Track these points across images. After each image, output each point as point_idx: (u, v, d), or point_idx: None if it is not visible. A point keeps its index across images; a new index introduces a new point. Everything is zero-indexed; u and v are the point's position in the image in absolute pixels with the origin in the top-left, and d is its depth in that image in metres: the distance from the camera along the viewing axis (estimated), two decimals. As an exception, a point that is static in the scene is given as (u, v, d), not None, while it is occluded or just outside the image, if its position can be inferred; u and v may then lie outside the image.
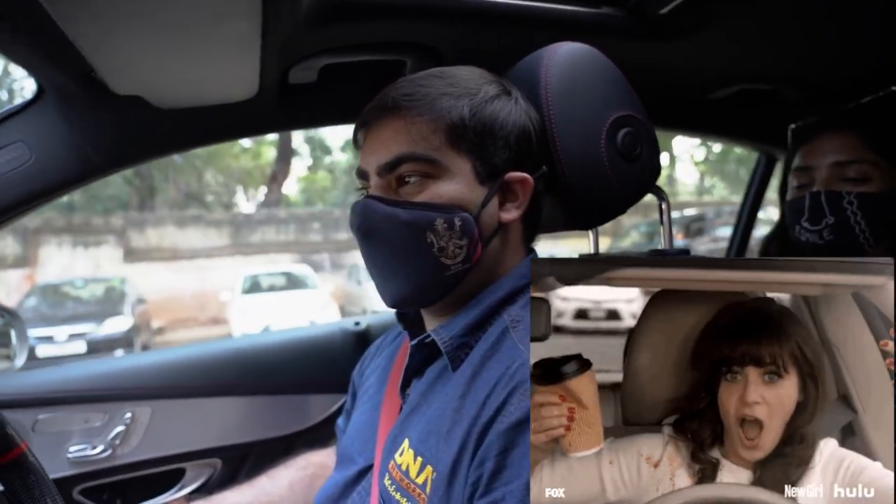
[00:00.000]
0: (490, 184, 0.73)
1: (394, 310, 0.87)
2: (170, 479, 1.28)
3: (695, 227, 10.95)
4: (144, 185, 16.46)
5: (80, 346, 8.52)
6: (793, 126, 1.18)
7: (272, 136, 19.81)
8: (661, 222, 0.94)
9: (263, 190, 19.35)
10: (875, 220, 1.00)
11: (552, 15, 1.02)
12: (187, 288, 13.04)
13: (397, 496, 0.69)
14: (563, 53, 0.83)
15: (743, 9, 0.99)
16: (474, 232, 0.72)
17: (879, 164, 1.01)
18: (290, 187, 21.02)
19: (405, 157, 0.71)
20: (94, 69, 0.82)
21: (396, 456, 0.72)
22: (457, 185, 0.72)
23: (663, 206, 0.93)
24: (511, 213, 0.75)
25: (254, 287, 11.30)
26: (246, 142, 19.63)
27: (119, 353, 8.41)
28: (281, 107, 1.05)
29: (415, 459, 0.69)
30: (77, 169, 0.99)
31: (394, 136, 0.72)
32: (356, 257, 14.80)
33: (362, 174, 0.76)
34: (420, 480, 0.67)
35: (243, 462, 1.32)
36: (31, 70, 0.87)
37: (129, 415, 1.23)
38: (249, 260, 13.76)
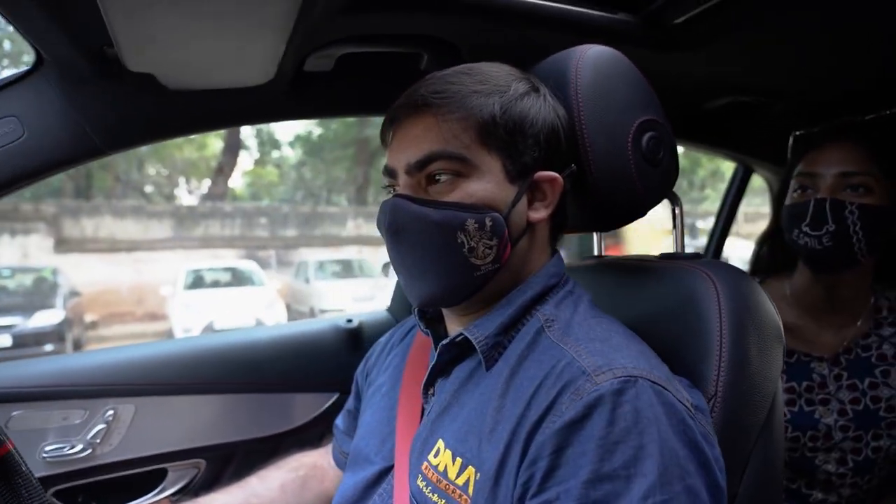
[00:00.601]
0: (520, 182, 0.73)
1: (415, 308, 0.85)
2: (150, 481, 1.22)
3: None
4: (80, 171, 15.65)
5: (5, 340, 7.99)
6: (796, 133, 1.23)
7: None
8: (674, 226, 0.96)
9: (208, 182, 18.77)
10: (872, 232, 1.05)
11: (569, 17, 1.03)
12: (124, 281, 12.52)
13: (434, 497, 0.68)
14: (593, 56, 0.83)
15: (752, 23, 1.03)
16: (504, 232, 0.71)
17: (880, 180, 1.07)
18: (236, 181, 20.47)
19: (436, 155, 0.70)
20: (109, 43, 0.77)
21: (430, 457, 0.71)
22: (487, 183, 0.71)
23: (676, 211, 0.95)
24: (540, 213, 0.75)
25: (197, 282, 10.95)
26: (190, 132, 18.98)
27: (48, 348, 7.96)
28: (293, 94, 1.02)
29: (453, 460, 0.68)
30: (73, 149, 0.93)
31: (424, 134, 0.71)
32: (304, 254, 14.74)
33: (390, 172, 0.75)
34: (461, 482, 0.66)
35: (228, 463, 1.26)
36: (36, 38, 0.81)
37: (111, 412, 1.16)
38: (192, 254, 13.32)
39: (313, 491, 1.07)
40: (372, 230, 16.28)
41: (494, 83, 0.73)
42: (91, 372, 1.16)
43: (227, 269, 11.64)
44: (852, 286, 1.14)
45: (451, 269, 0.71)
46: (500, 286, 0.74)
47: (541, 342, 0.70)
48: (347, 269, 12.99)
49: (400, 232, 0.72)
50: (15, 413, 1.09)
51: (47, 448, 1.11)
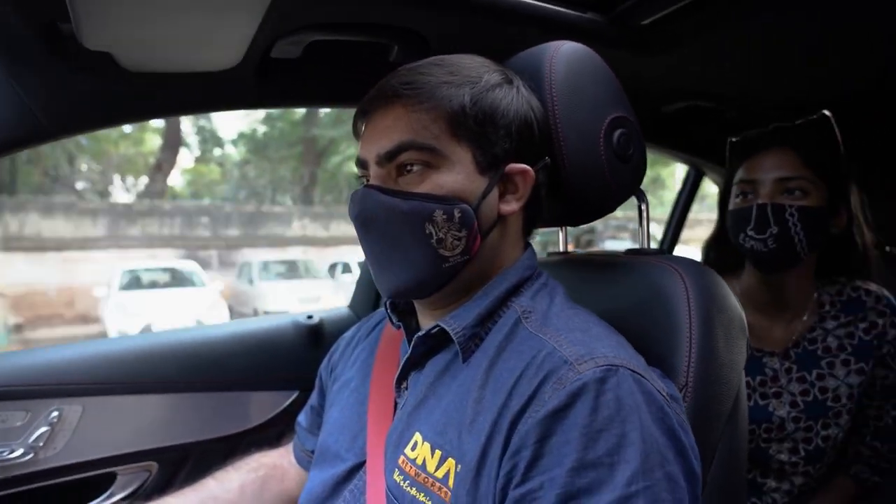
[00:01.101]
0: (490, 174, 0.73)
1: (388, 300, 0.84)
2: (97, 486, 1.14)
3: (585, 238, 11.62)
4: (3, 165, 14.75)
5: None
6: (732, 140, 1.28)
7: (156, 123, 18.56)
8: (640, 223, 0.98)
9: (145, 180, 18.06)
10: (811, 232, 1.12)
11: (539, 13, 1.04)
12: (52, 282, 11.88)
13: (412, 491, 0.66)
14: (566, 52, 0.84)
15: (717, 27, 1.07)
16: (474, 224, 0.71)
17: (815, 182, 1.13)
18: (176, 179, 19.76)
19: (405, 145, 0.70)
20: (64, 17, 0.72)
21: (407, 450, 0.69)
22: (457, 175, 0.71)
23: (643, 208, 0.97)
24: (511, 205, 0.75)
25: (133, 283, 10.51)
26: (126, 126, 18.23)
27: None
28: (258, 82, 0.99)
29: (432, 453, 0.67)
30: (18, 132, 0.87)
31: (394, 125, 0.71)
32: (247, 255, 14.39)
33: (362, 163, 0.75)
34: (440, 474, 0.65)
35: (182, 465, 1.20)
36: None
37: (55, 413, 1.08)
38: (128, 254, 12.77)
39: (273, 492, 1.03)
40: (318, 231, 16.06)
41: (465, 74, 0.73)
42: (34, 370, 1.08)
43: (165, 270, 11.23)
44: (796, 283, 1.20)
45: (420, 260, 0.71)
46: (470, 278, 0.74)
47: (519, 333, 0.70)
48: (293, 270, 12.76)
49: (369, 222, 0.72)
50: (-52, 415, 1.01)
51: None
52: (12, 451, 1.05)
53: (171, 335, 1.28)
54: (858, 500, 1.21)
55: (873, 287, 1.20)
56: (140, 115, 0.96)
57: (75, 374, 1.11)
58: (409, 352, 0.75)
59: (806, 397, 1.17)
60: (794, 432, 1.17)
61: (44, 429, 1.07)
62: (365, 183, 0.74)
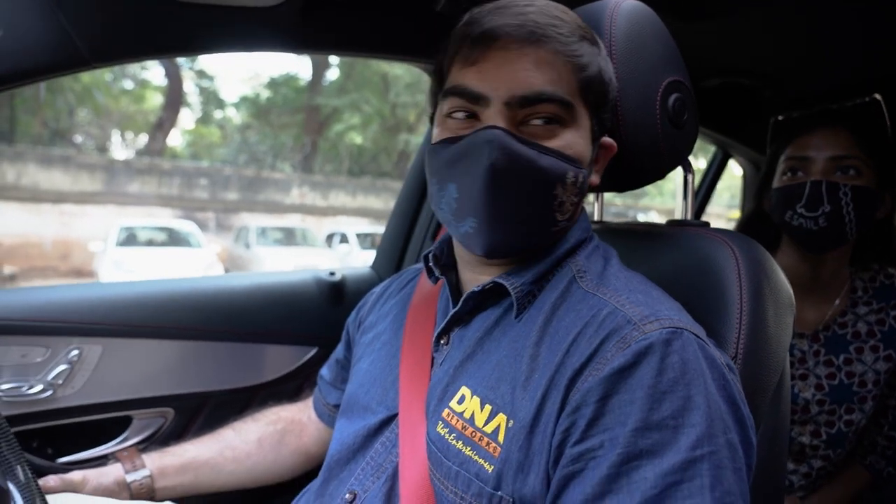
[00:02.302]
0: (595, 144, 0.72)
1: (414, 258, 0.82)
2: (112, 429, 1.13)
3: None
4: (2, 114, 14.56)
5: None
6: (777, 118, 1.26)
7: (159, 81, 18.33)
8: (685, 195, 0.96)
9: (144, 138, 17.88)
10: (862, 212, 1.10)
11: None
12: (48, 234, 11.82)
13: (458, 444, 0.65)
14: (627, 9, 0.81)
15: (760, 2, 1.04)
16: (585, 190, 0.71)
17: (868, 163, 1.12)
18: (175, 139, 19.58)
19: (547, 96, 0.65)
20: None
21: (453, 404, 0.68)
22: (580, 138, 0.69)
23: (688, 178, 0.95)
24: (594, 177, 0.75)
25: (130, 240, 10.46)
26: (128, 83, 18.01)
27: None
28: (302, 23, 0.95)
29: (482, 407, 0.65)
30: (56, 57, 0.83)
31: (536, 68, 0.65)
32: (245, 219, 14.34)
33: (476, 97, 0.65)
34: (489, 429, 0.64)
35: (197, 413, 1.19)
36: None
37: (75, 352, 1.06)
38: (125, 210, 12.69)
39: (291, 446, 1.03)
40: (316, 199, 15.99)
41: (591, 33, 0.70)
42: (56, 307, 1.06)
43: (163, 229, 11.18)
44: (834, 265, 1.19)
45: (537, 220, 0.68)
46: (555, 240, 0.73)
47: (574, 292, 0.68)
48: (290, 237, 12.73)
49: (502, 171, 0.63)
50: (-33, 348, 0.99)
51: (2, 386, 1.01)
52: (31, 387, 1.03)
53: (192, 282, 1.26)
54: (872, 490, 1.22)
55: None
56: (180, 48, 0.92)
57: (96, 314, 1.09)
58: (459, 307, 0.74)
59: (832, 381, 1.17)
60: (817, 415, 1.17)
61: (63, 367, 1.06)
62: (484, 126, 0.65)
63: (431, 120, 0.76)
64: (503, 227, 0.66)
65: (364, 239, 12.11)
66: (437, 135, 0.71)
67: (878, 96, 1.18)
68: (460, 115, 0.68)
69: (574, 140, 0.67)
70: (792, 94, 1.40)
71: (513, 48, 0.64)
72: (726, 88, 1.42)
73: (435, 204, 0.72)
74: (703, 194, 1.84)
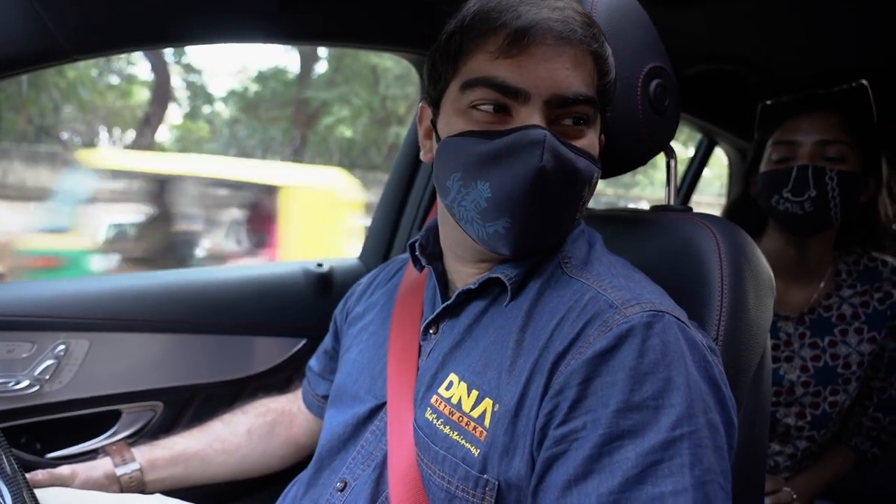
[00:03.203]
0: (599, 139, 0.73)
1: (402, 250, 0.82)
2: (102, 423, 1.13)
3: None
4: (-15, 111, 14.37)
5: None
6: (765, 103, 1.26)
7: (145, 76, 18.13)
8: (668, 181, 0.97)
9: (132, 134, 17.69)
10: (847, 197, 1.12)
11: None
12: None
13: (445, 429, 0.66)
14: None
15: None
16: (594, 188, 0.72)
17: (854, 147, 1.13)
18: (164, 134, 19.39)
19: (583, 98, 0.65)
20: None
21: (441, 390, 0.69)
22: (596, 137, 0.70)
23: (671, 164, 0.96)
24: None
25: (119, 237, 10.36)
26: (114, 78, 17.79)
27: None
28: (284, 14, 0.95)
29: (469, 393, 0.66)
30: (35, 49, 0.82)
31: (574, 67, 0.64)
32: (235, 214, 14.25)
33: (512, 91, 0.63)
34: (476, 414, 0.64)
35: (187, 406, 1.19)
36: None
37: (62, 347, 1.06)
38: (114, 207, 12.57)
39: (281, 437, 1.04)
40: (307, 194, 15.89)
41: (600, 34, 0.69)
42: (42, 302, 1.05)
43: (152, 225, 11.08)
44: (818, 250, 1.21)
45: (565, 221, 0.69)
46: None
47: (558, 278, 0.69)
48: (281, 232, 12.67)
49: (550, 174, 0.62)
50: (-49, 343, 0.98)
51: None
52: (18, 382, 1.03)
53: (179, 275, 1.26)
54: (857, 471, 1.24)
55: (890, 259, 1.20)
56: (163, 40, 0.91)
57: (83, 309, 1.08)
58: (451, 301, 0.74)
59: (817, 363, 1.18)
60: (802, 397, 1.18)
61: (50, 361, 1.05)
62: (536, 124, 0.63)
63: (433, 105, 0.73)
64: (537, 228, 0.66)
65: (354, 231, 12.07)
66: (455, 125, 0.67)
67: (864, 82, 1.19)
68: (488, 107, 0.65)
69: (593, 140, 0.68)
70: (778, 80, 1.41)
71: (551, 44, 0.63)
72: (712, 76, 1.43)
73: (455, 201, 0.68)
74: (689, 181, 1.85)
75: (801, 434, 1.20)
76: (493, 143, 0.63)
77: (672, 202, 0.96)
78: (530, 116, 0.63)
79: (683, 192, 1.89)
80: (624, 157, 0.85)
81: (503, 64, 0.63)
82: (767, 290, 0.80)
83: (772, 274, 0.82)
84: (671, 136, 0.91)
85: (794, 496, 1.16)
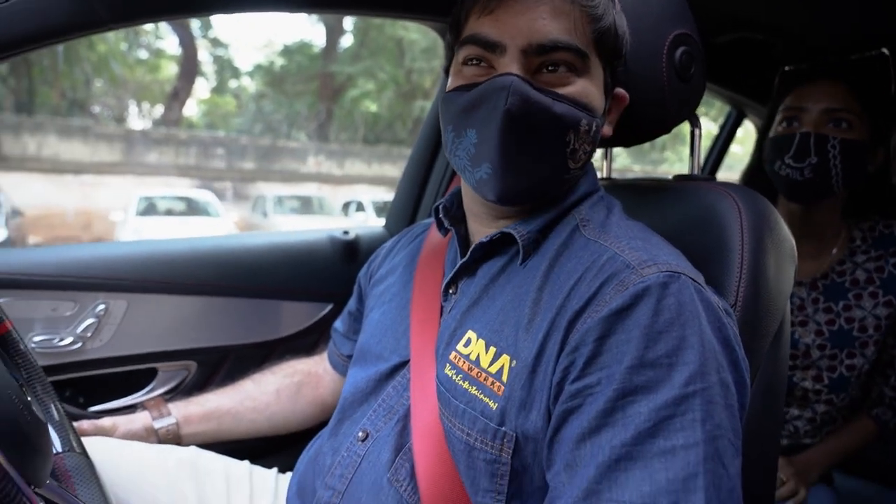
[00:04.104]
0: (608, 96, 0.74)
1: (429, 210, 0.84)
2: (139, 380, 1.19)
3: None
4: (21, 85, 14.66)
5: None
6: (784, 69, 1.25)
7: (173, 51, 18.29)
8: (691, 150, 0.96)
9: (160, 108, 17.93)
10: (849, 166, 1.11)
11: None
12: (70, 204, 12.00)
13: (464, 384, 0.69)
14: None
15: None
16: (598, 140, 0.72)
17: (863, 117, 1.12)
18: (191, 109, 19.61)
19: (563, 44, 0.66)
20: None
21: (460, 347, 0.71)
22: (594, 87, 0.70)
23: (696, 133, 0.96)
24: (607, 129, 0.76)
25: (149, 209, 10.61)
26: (143, 53, 18.01)
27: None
28: None
29: (486, 349, 0.68)
30: (74, 18, 0.85)
31: (552, 16, 0.66)
32: (262, 188, 14.43)
33: (492, 45, 0.67)
34: (493, 369, 0.67)
35: (219, 366, 1.24)
36: None
37: (102, 306, 1.11)
38: (143, 180, 12.83)
39: (307, 397, 1.07)
40: (332, 168, 16.01)
41: None
42: (82, 264, 1.11)
43: (181, 199, 11.30)
44: (825, 216, 1.21)
45: (549, 167, 0.70)
46: (565, 190, 0.75)
47: (576, 240, 0.71)
48: (307, 206, 12.81)
49: (518, 118, 0.64)
50: (2, 300, 1.04)
51: (35, 338, 1.07)
52: (62, 339, 1.09)
53: (212, 241, 1.30)
54: (879, 441, 1.24)
55: None
56: (197, 8, 0.93)
57: (121, 271, 1.13)
58: (467, 257, 0.76)
59: (832, 326, 1.19)
60: (818, 360, 1.19)
61: (91, 320, 1.11)
62: (476, 63, 0.68)
63: (447, 72, 0.77)
64: (517, 173, 0.68)
65: (380, 207, 12.15)
66: (451, 83, 0.72)
67: (885, 51, 1.16)
68: (475, 62, 0.69)
69: (588, 89, 0.69)
70: (806, 48, 1.38)
71: None
72: (740, 44, 1.40)
73: (451, 152, 0.73)
74: (716, 153, 1.83)
75: (820, 398, 1.21)
76: (470, 92, 0.68)
77: (696, 171, 0.96)
78: (507, 66, 0.66)
79: (710, 164, 1.87)
80: (648, 124, 0.86)
81: (485, 21, 0.67)
82: (788, 257, 0.80)
83: (794, 242, 0.82)
84: (696, 105, 0.91)
85: (784, 479, 1.18)
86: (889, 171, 1.18)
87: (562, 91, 0.67)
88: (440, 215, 0.83)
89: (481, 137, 0.67)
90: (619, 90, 0.76)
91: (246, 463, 0.95)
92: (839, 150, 1.10)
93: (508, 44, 0.66)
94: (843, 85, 1.13)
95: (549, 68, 0.67)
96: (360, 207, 12.61)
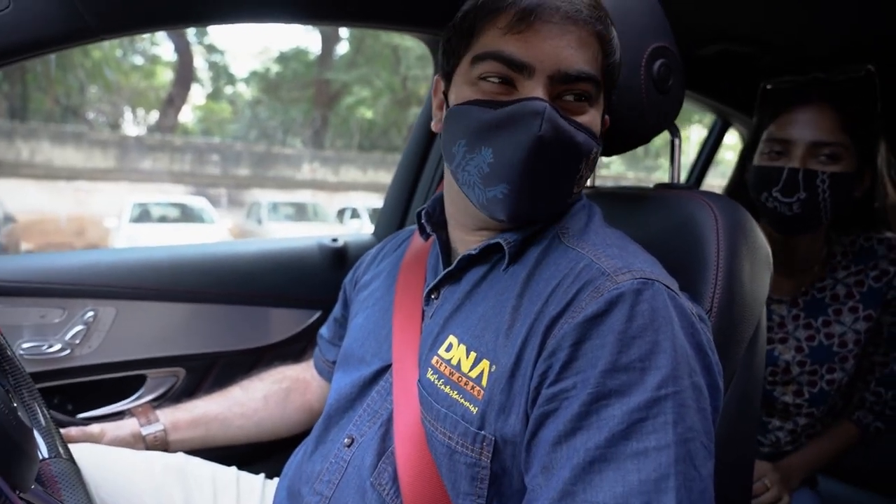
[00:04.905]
0: (603, 119, 0.76)
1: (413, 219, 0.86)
2: (127, 387, 1.19)
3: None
4: (14, 91, 14.63)
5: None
6: (766, 86, 1.24)
7: (169, 57, 18.30)
8: (672, 159, 0.98)
9: (155, 114, 17.91)
10: (838, 198, 1.11)
11: None
12: (63, 210, 11.95)
13: (445, 388, 0.70)
14: None
15: None
16: (596, 165, 0.75)
17: (849, 148, 1.11)
18: (186, 115, 19.59)
19: (586, 76, 0.68)
20: None
21: (441, 351, 0.73)
22: (598, 115, 0.73)
23: (675, 142, 0.98)
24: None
25: (143, 216, 10.59)
26: (138, 59, 18.00)
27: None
28: None
29: (467, 354, 0.70)
30: (64, 28, 0.86)
31: (578, 47, 0.67)
32: (257, 195, 14.40)
33: (519, 66, 0.67)
34: (474, 374, 0.68)
35: (208, 373, 1.25)
36: None
37: (91, 313, 1.12)
38: (137, 187, 12.80)
39: (296, 403, 1.08)
40: (327, 175, 16.01)
41: (606, 17, 0.72)
42: (71, 271, 1.11)
43: (176, 205, 11.28)
44: (809, 244, 1.21)
45: (561, 193, 0.72)
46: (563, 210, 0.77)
47: (556, 247, 0.72)
48: (301, 213, 12.81)
49: (547, 144, 0.65)
50: (-10, 307, 1.05)
51: (24, 345, 1.07)
52: (51, 346, 1.09)
53: (201, 248, 1.31)
54: (860, 445, 1.26)
55: (888, 235, 1.20)
56: (189, 19, 0.94)
57: (110, 278, 1.14)
58: (453, 266, 0.78)
59: (811, 342, 1.20)
60: (798, 375, 1.20)
61: (80, 327, 1.11)
62: (497, 81, 0.68)
63: (447, 78, 0.76)
64: (532, 196, 0.69)
65: (375, 214, 12.14)
66: (463, 95, 0.71)
67: (871, 67, 1.17)
68: (495, 79, 0.69)
69: (595, 117, 0.71)
70: (791, 61, 1.40)
71: (557, 23, 0.66)
72: (725, 56, 1.43)
73: (459, 166, 0.72)
74: (702, 163, 1.85)
75: (801, 411, 1.22)
76: (497, 111, 0.67)
77: (676, 180, 0.98)
78: (533, 90, 0.66)
79: (697, 173, 1.89)
80: (628, 134, 0.87)
81: (511, 39, 0.67)
82: (764, 265, 0.82)
83: (769, 250, 0.84)
84: (675, 115, 0.93)
85: (769, 484, 1.18)
86: (874, 191, 1.18)
87: (578, 119, 0.69)
88: (422, 220, 0.85)
89: (501, 158, 0.67)
90: (606, 117, 0.78)
91: (233, 469, 0.96)
92: (828, 185, 1.09)
93: (537, 67, 0.66)
94: (829, 111, 1.11)
95: (568, 96, 0.68)
96: (355, 214, 12.62)
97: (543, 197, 0.70)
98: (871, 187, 1.18)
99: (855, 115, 1.12)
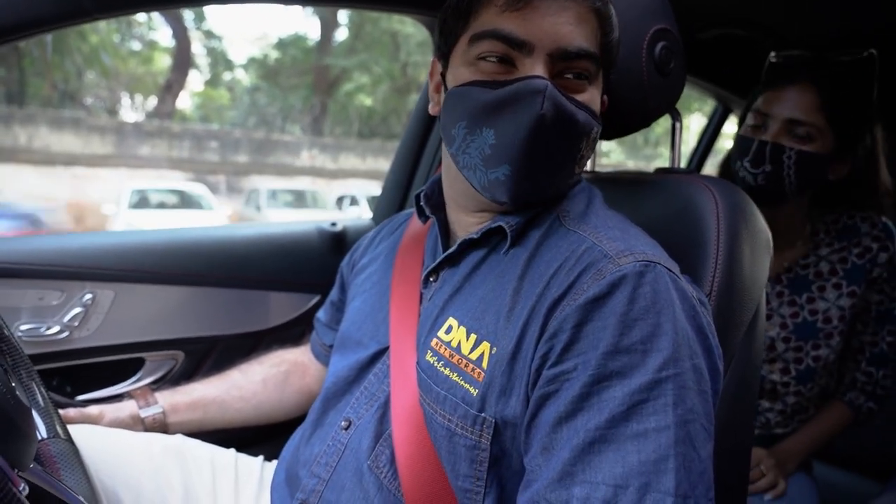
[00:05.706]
0: (602, 98, 0.75)
1: (413, 201, 0.85)
2: (126, 369, 1.19)
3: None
4: (12, 76, 14.53)
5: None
6: (772, 59, 1.26)
7: (166, 42, 18.18)
8: (672, 143, 0.98)
9: (154, 100, 17.82)
10: (804, 176, 1.13)
11: None
12: (61, 196, 11.92)
13: (445, 371, 0.70)
14: None
15: None
16: (596, 145, 0.73)
17: (824, 130, 1.13)
18: (185, 101, 19.49)
19: (585, 53, 0.67)
20: None
21: (441, 334, 0.72)
22: (598, 94, 0.72)
23: (676, 126, 0.97)
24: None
25: (142, 202, 10.57)
26: (136, 44, 17.88)
27: None
28: None
29: (468, 336, 0.69)
30: (57, 8, 0.85)
31: (578, 24, 0.66)
32: (255, 182, 14.37)
33: (519, 44, 0.65)
34: (474, 356, 0.68)
35: (206, 356, 1.25)
36: None
37: (89, 296, 1.12)
38: (136, 173, 12.76)
39: (294, 386, 1.08)
40: (326, 162, 15.97)
41: None
42: (69, 253, 1.11)
43: (174, 192, 11.26)
44: (786, 218, 1.22)
45: (561, 173, 0.71)
46: (564, 191, 0.76)
47: (556, 230, 0.72)
48: (300, 200, 12.79)
49: (550, 123, 0.64)
50: (-13, 289, 1.04)
51: (22, 327, 1.07)
52: (49, 328, 1.09)
53: (201, 231, 1.30)
54: (853, 426, 1.26)
55: (870, 215, 1.22)
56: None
57: (109, 261, 1.14)
58: (454, 249, 0.77)
59: (795, 319, 1.22)
60: (784, 352, 1.22)
61: (78, 309, 1.11)
62: (495, 60, 0.67)
63: (444, 60, 0.75)
64: (534, 177, 0.68)
65: (374, 202, 12.13)
66: (462, 76, 0.70)
67: (873, 52, 1.17)
68: (494, 59, 0.68)
69: (595, 96, 0.71)
70: (792, 46, 1.39)
71: (556, 0, 0.66)
72: (726, 41, 1.42)
73: (459, 149, 0.70)
74: (703, 148, 1.84)
75: (788, 389, 1.23)
76: (497, 91, 0.66)
77: (677, 164, 0.98)
78: (533, 68, 0.65)
79: (697, 158, 1.89)
80: (628, 118, 0.87)
81: (509, 17, 0.66)
82: (764, 248, 0.82)
83: (770, 235, 0.84)
84: (676, 99, 0.92)
85: (764, 471, 1.20)
86: (868, 170, 1.19)
87: (578, 98, 0.68)
88: (421, 203, 0.84)
89: (502, 139, 0.66)
90: (605, 97, 0.77)
91: (232, 451, 0.96)
92: (794, 161, 1.12)
93: (536, 45, 0.65)
94: (811, 91, 1.13)
95: (568, 74, 0.68)
96: (354, 201, 12.60)
97: (545, 177, 0.69)
98: (859, 170, 1.19)
99: (838, 99, 1.14)
